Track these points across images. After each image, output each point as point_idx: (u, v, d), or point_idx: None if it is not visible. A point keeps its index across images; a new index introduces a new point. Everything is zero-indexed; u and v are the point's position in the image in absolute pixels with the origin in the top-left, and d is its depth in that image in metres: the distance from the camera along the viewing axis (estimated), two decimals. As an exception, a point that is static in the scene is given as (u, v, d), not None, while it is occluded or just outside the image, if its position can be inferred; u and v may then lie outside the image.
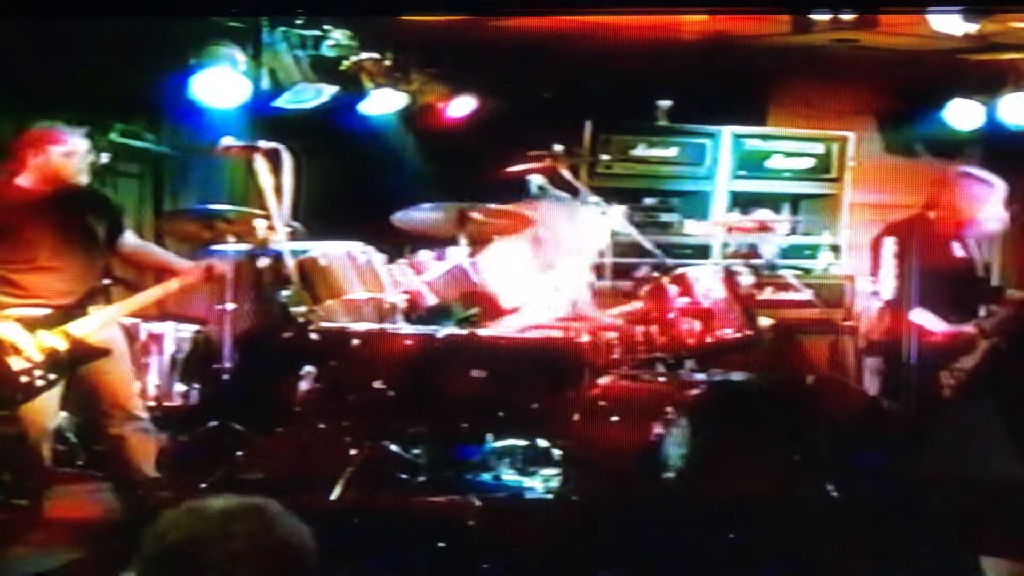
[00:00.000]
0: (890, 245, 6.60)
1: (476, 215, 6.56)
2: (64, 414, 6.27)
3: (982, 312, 6.79)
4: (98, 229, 6.17)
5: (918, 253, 6.52)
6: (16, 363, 5.84)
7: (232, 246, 6.54)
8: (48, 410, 5.99)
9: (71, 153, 6.03)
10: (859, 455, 6.17)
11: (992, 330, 6.65)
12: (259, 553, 2.26)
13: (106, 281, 6.20)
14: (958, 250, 6.78)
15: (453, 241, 6.66)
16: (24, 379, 5.85)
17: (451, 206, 6.56)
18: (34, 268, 5.97)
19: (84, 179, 6.10)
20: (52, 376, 5.90)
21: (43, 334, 5.88)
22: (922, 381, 6.52)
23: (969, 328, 6.63)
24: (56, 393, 5.98)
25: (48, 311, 5.93)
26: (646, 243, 7.28)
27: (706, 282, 6.57)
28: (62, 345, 5.90)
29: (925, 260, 6.58)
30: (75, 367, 5.99)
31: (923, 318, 6.55)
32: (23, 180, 6.03)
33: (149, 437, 6.18)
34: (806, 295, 7.68)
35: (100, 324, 6.01)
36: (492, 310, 6.65)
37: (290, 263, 6.19)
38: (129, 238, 6.36)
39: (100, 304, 6.07)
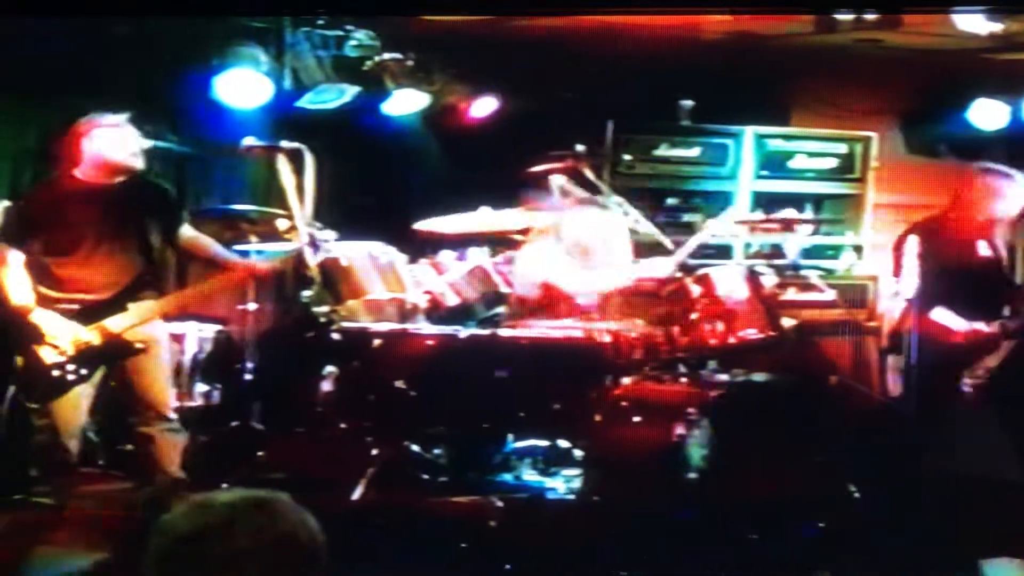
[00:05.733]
0: (913, 244, 6.55)
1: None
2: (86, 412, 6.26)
3: (1006, 311, 6.74)
4: (152, 223, 6.16)
5: (942, 252, 6.48)
6: (49, 357, 5.86)
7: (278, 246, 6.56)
8: (79, 406, 6.01)
9: (118, 134, 6.04)
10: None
11: (1016, 329, 6.61)
12: (263, 549, 2.26)
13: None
14: (983, 249, 6.74)
15: (474, 242, 6.66)
16: (56, 373, 5.87)
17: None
18: (74, 262, 5.99)
19: (139, 163, 6.10)
20: (84, 371, 5.92)
21: (78, 328, 5.90)
22: (944, 381, 6.48)
23: (991, 327, 6.59)
24: (89, 390, 5.99)
25: (85, 305, 5.95)
26: (668, 243, 7.26)
27: (729, 282, 6.55)
28: (97, 340, 5.92)
29: (949, 260, 6.54)
30: (109, 363, 6.01)
31: (945, 317, 6.51)
32: (79, 173, 6.05)
33: (177, 438, 6.18)
34: (829, 296, 7.64)
35: (138, 320, 6.01)
36: (519, 310, 6.66)
37: (312, 263, 6.20)
38: (190, 231, 6.35)
39: (140, 300, 6.08)
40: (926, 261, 6.33)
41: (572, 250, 6.80)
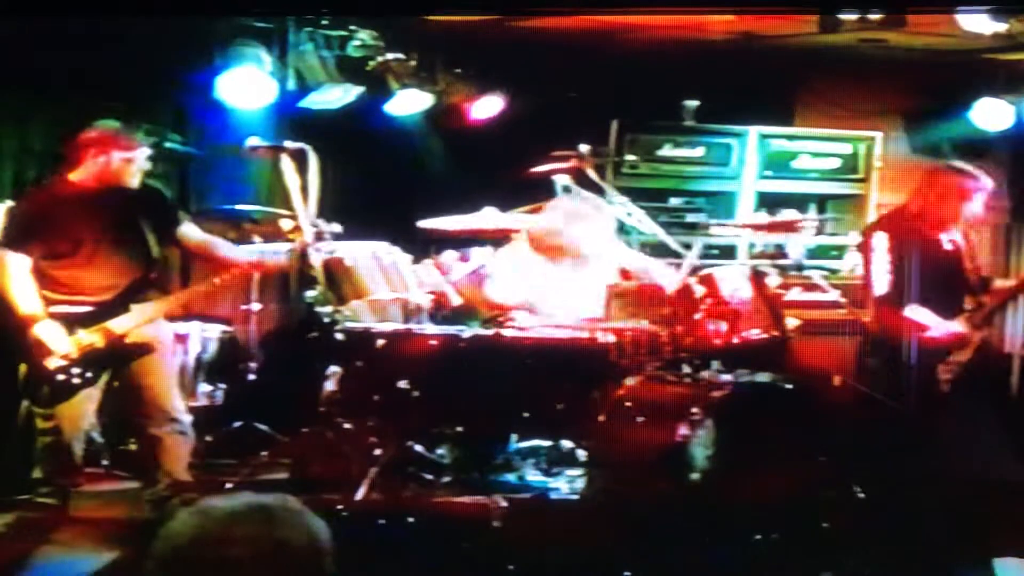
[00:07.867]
0: (880, 240, 6.56)
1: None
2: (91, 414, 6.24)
3: (969, 304, 6.70)
4: (147, 224, 6.16)
5: (906, 248, 6.48)
6: (53, 361, 5.85)
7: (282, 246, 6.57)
8: (84, 409, 6.00)
9: (133, 159, 6.06)
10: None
11: (982, 322, 6.61)
12: (259, 556, 2.25)
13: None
14: (945, 243, 6.71)
15: (477, 242, 6.67)
16: (61, 377, 5.87)
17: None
18: (75, 264, 5.99)
19: (135, 182, 6.12)
20: (89, 374, 5.92)
21: (81, 331, 5.90)
22: (924, 378, 6.46)
23: (963, 326, 6.56)
24: (94, 392, 5.99)
25: (88, 308, 5.94)
26: (672, 243, 7.26)
27: (733, 282, 6.54)
28: (100, 342, 5.92)
29: (912, 254, 6.52)
30: (114, 365, 6.00)
31: (919, 315, 6.49)
32: (76, 177, 6.06)
33: (185, 439, 6.17)
34: (833, 296, 7.64)
35: (141, 321, 6.01)
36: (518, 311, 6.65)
37: (316, 263, 6.20)
38: (191, 230, 6.34)
39: (142, 300, 6.07)
40: (894, 257, 6.35)
41: (546, 256, 6.79)
